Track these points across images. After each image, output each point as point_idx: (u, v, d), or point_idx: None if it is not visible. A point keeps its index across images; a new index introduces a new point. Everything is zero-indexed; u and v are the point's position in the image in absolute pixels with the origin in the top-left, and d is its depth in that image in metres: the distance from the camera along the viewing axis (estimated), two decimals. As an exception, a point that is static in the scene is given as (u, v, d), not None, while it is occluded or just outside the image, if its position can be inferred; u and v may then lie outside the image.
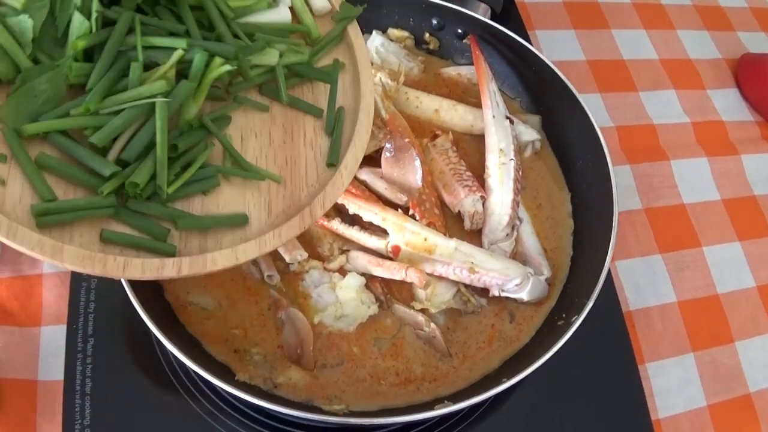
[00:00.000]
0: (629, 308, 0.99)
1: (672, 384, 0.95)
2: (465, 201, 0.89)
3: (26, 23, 0.61)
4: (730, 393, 0.97)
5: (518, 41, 1.00)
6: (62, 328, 0.86)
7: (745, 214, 1.13)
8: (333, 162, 0.71)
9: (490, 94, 0.96)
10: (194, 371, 0.71)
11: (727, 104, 1.26)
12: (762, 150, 1.21)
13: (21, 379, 0.84)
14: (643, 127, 1.20)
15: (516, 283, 0.83)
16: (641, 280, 1.02)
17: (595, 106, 1.18)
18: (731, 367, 0.99)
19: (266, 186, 0.68)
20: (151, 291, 0.81)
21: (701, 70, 1.30)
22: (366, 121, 0.74)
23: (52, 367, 0.85)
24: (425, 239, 0.82)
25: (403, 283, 0.84)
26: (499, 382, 0.74)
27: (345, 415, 0.76)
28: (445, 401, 0.78)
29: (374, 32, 1.07)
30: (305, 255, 0.85)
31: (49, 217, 0.58)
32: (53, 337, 0.87)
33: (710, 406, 0.95)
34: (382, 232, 0.85)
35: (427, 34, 1.10)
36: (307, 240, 0.87)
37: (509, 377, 0.74)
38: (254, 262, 0.85)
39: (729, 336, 1.01)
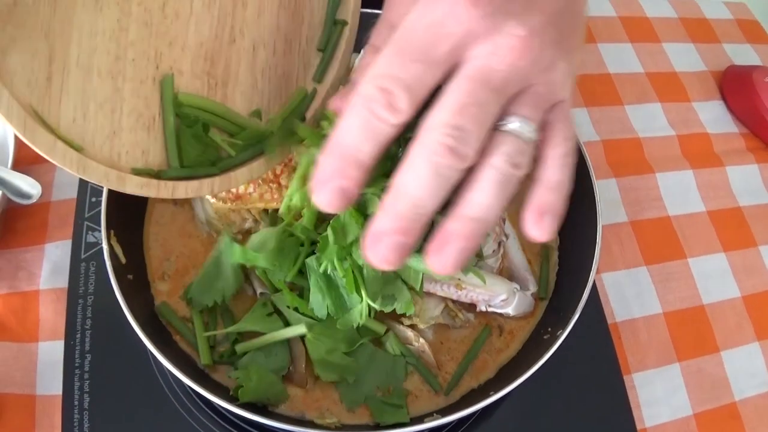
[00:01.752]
0: (615, 320, 1.00)
1: (658, 393, 0.96)
2: (453, 219, 0.89)
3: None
4: (716, 402, 0.98)
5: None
6: (59, 344, 0.87)
7: (730, 226, 1.14)
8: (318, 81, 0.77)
9: (477, 112, 0.96)
10: (190, 387, 0.72)
11: (713, 116, 1.27)
12: (747, 161, 1.22)
13: (20, 394, 0.85)
14: (629, 141, 1.20)
15: (502, 298, 0.84)
16: (627, 291, 1.04)
17: (581, 120, 1.19)
18: (717, 376, 1.00)
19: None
20: (147, 307, 0.83)
21: (687, 82, 1.31)
22: (350, 39, 0.78)
23: (50, 381, 0.86)
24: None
25: (392, 300, 0.86)
26: (486, 396, 0.75)
27: (337, 428, 0.78)
28: (435, 414, 0.79)
29: (363, 51, 1.07)
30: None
31: None
32: (51, 353, 0.88)
33: (696, 414, 0.96)
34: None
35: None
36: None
37: (496, 391, 0.75)
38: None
39: (714, 346, 1.02)
